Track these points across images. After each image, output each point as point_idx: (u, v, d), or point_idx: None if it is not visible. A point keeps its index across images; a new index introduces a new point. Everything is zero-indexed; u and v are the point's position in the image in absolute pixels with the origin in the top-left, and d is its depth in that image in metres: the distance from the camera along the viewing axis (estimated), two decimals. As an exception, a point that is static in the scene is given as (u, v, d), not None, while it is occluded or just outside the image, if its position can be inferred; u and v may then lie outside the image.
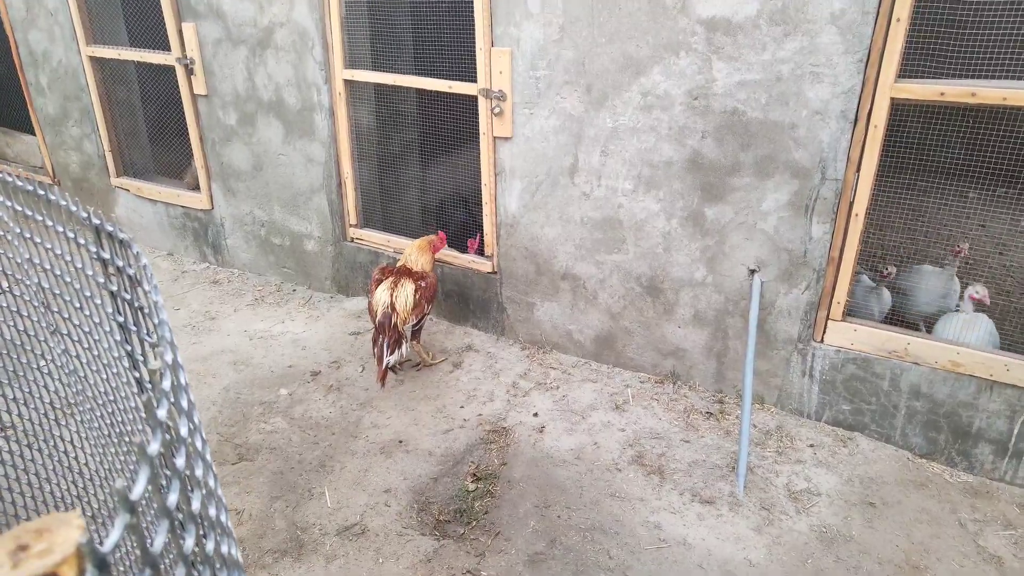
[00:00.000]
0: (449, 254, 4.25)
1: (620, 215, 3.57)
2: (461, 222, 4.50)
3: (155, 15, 4.69)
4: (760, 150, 3.15)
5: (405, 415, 3.60)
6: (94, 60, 5.13)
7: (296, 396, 3.78)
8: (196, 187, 5.20)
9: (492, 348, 4.16)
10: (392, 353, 3.59)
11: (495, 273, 4.11)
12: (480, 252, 4.19)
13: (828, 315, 3.26)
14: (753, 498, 3.00)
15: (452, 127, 4.05)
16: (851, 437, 3.34)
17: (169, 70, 4.84)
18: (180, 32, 4.60)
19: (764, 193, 3.20)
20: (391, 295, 3.65)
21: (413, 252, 3.83)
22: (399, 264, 3.84)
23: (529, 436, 3.41)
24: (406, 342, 3.68)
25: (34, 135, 5.94)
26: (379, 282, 3.75)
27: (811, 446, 3.30)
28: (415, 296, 3.67)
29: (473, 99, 3.79)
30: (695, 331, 3.60)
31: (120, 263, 1.20)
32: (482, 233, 4.24)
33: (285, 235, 4.87)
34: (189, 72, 4.69)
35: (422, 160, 4.77)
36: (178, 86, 4.80)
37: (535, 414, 3.56)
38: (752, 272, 3.35)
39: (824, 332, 3.29)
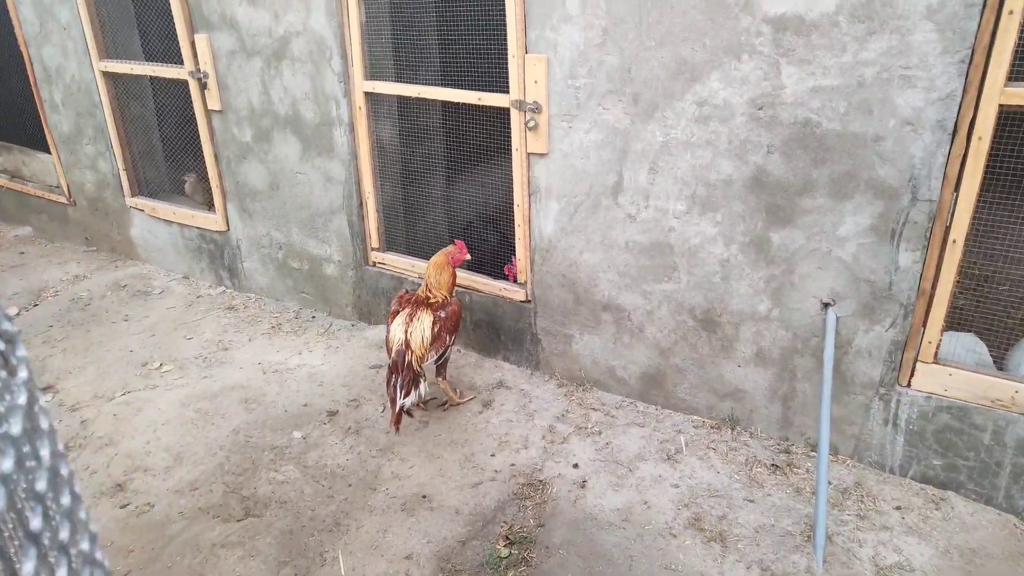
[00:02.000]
0: (479, 280, 3.88)
1: (671, 239, 3.17)
2: (492, 245, 4.13)
3: (170, 27, 4.43)
4: (837, 167, 2.72)
5: (429, 464, 3.22)
6: (107, 75, 4.89)
7: (311, 440, 3.43)
8: (201, 201, 4.98)
9: (526, 384, 3.77)
10: (407, 395, 3.21)
11: (529, 302, 3.73)
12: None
13: (917, 356, 2.81)
14: (834, 575, 2.56)
15: (482, 142, 3.69)
16: (944, 497, 2.88)
17: (184, 85, 4.57)
18: (193, 44, 4.33)
19: (841, 216, 2.77)
20: (406, 331, 3.28)
21: (432, 273, 3.45)
22: (419, 292, 3.47)
23: (569, 492, 3.01)
24: (424, 381, 3.31)
25: (50, 153, 5.73)
26: (395, 314, 3.40)
27: (898, 508, 2.84)
28: (433, 329, 3.30)
29: (505, 112, 3.43)
30: (757, 371, 3.17)
31: None
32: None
33: (303, 259, 4.55)
34: (203, 86, 4.41)
35: (449, 178, 4.41)
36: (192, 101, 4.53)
37: (575, 465, 3.16)
38: (826, 306, 2.91)
39: (912, 375, 2.85)
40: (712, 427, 3.35)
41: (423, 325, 3.28)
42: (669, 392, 3.45)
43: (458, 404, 3.61)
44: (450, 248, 3.53)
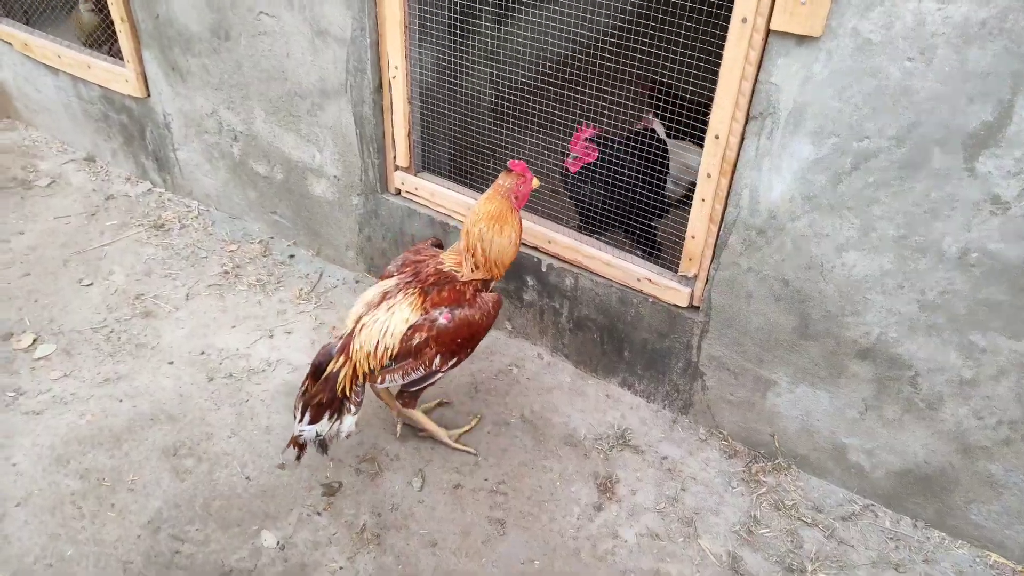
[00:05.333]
0: (598, 255, 2.15)
1: (1085, 265, 1.47)
2: (631, 187, 2.34)
3: None
4: None
5: (522, 642, 1.71)
6: None
7: (293, 554, 1.86)
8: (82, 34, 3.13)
9: (667, 444, 2.18)
10: (311, 420, 1.80)
11: (696, 309, 2.05)
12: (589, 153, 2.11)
13: None
14: None
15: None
16: None
17: None
18: None
19: None
20: (358, 320, 1.82)
21: (480, 222, 1.79)
22: (448, 254, 1.88)
23: None
24: (351, 414, 1.83)
25: None
26: (387, 278, 1.91)
27: None
28: (409, 340, 1.77)
29: (730, -72, 1.54)
30: None
31: None
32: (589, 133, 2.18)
33: (275, 162, 2.72)
34: None
35: (555, 57, 2.47)
36: None
37: (806, 677, 1.67)
38: None
39: None
40: (1031, 585, 1.86)
41: (391, 323, 1.77)
42: (952, 508, 1.90)
43: (448, 444, 2.11)
44: (506, 180, 1.81)
